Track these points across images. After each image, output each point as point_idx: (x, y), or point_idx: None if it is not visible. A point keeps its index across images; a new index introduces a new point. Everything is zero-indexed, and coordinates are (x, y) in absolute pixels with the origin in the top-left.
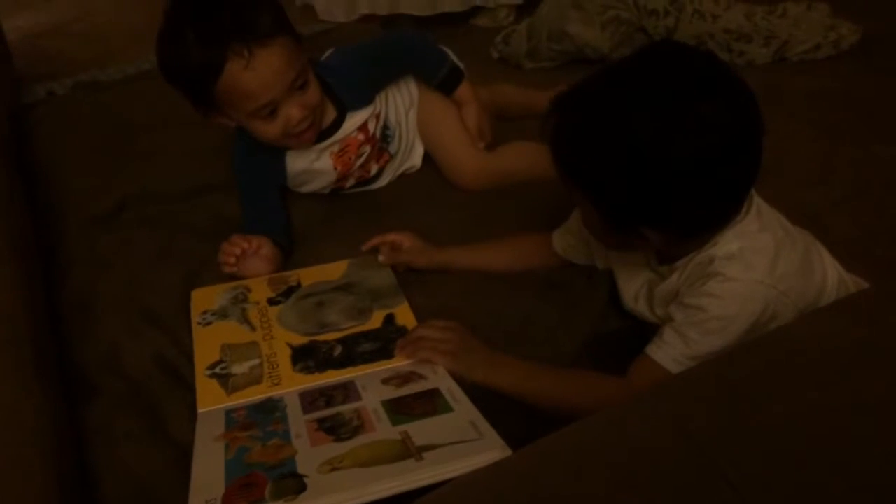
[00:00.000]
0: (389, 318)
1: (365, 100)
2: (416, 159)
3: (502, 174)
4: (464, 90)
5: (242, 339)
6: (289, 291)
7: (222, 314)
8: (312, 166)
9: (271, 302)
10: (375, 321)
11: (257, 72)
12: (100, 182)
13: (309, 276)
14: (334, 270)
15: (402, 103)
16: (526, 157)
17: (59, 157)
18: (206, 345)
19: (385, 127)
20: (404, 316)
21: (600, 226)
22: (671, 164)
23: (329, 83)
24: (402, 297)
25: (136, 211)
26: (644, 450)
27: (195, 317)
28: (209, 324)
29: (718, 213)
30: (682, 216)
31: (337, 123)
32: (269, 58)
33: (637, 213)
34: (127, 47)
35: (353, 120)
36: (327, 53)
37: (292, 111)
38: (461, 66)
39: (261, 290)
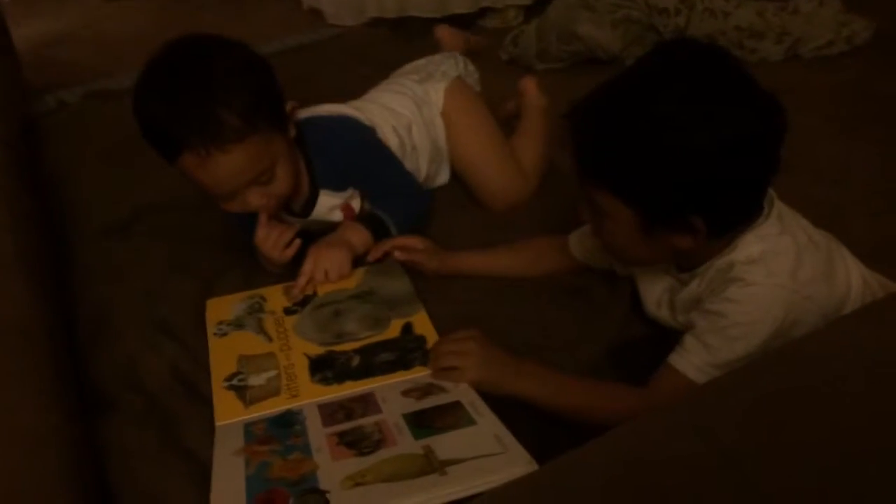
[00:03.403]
0: (407, 328)
1: (341, 187)
2: (443, 179)
3: (532, 192)
4: (362, 237)
5: (259, 349)
6: (305, 300)
7: (238, 324)
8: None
9: (287, 311)
10: (393, 330)
11: (210, 172)
12: (112, 193)
13: (325, 284)
14: (351, 278)
15: (422, 159)
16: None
17: (70, 168)
18: (223, 356)
19: None
20: (422, 324)
21: (631, 233)
22: (707, 149)
23: (307, 151)
24: (420, 304)
25: (149, 222)
26: (675, 463)
27: (211, 327)
28: (225, 334)
29: (752, 195)
30: (723, 200)
31: (311, 202)
32: (227, 162)
33: (677, 202)
34: (136, 54)
35: (329, 200)
36: (327, 109)
37: (250, 198)
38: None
39: (276, 299)
